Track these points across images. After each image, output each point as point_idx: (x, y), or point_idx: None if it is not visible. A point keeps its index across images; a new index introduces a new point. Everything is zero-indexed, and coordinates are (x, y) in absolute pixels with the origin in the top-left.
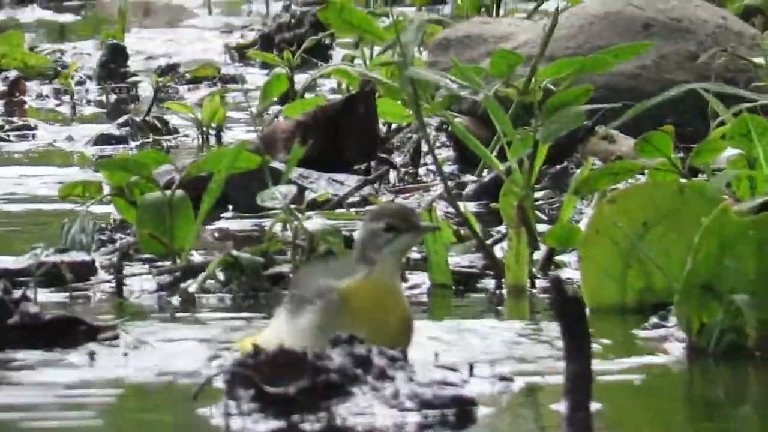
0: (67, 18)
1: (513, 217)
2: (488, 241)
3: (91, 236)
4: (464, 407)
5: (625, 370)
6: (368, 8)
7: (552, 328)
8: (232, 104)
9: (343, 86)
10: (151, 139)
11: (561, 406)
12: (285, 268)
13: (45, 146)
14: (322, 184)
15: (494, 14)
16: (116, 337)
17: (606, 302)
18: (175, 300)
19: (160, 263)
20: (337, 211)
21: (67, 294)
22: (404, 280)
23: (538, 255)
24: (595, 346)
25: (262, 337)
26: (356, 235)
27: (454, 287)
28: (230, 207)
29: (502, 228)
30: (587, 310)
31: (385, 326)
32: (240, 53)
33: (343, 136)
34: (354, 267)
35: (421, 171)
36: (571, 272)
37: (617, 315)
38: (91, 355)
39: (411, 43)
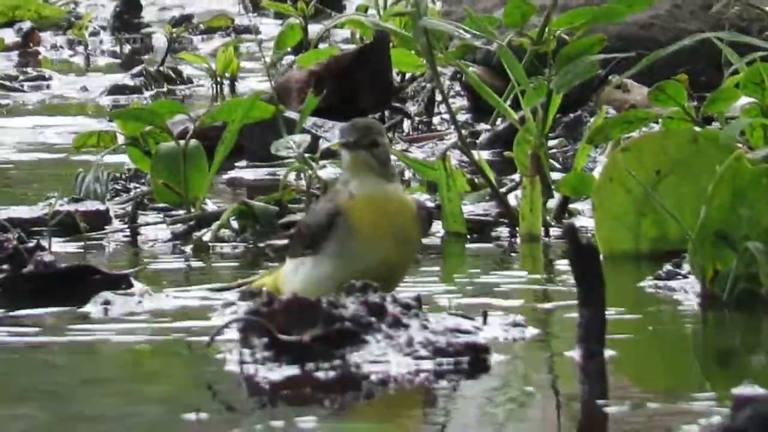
0: None
1: (527, 166)
2: (502, 190)
3: (106, 186)
4: (478, 354)
5: (639, 318)
6: None
7: (565, 276)
8: (245, 54)
9: (357, 36)
10: (165, 89)
11: (575, 354)
12: (299, 217)
13: (59, 97)
14: (335, 134)
15: None
16: (131, 286)
17: (620, 250)
18: (189, 249)
19: (174, 212)
20: None
21: (82, 243)
22: None
23: (552, 203)
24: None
25: (276, 276)
26: None
27: (468, 236)
28: (244, 156)
29: (516, 176)
30: (601, 258)
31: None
32: (254, 3)
33: (357, 86)
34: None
35: (435, 120)
36: (585, 220)
37: (631, 263)
38: (105, 303)
39: None
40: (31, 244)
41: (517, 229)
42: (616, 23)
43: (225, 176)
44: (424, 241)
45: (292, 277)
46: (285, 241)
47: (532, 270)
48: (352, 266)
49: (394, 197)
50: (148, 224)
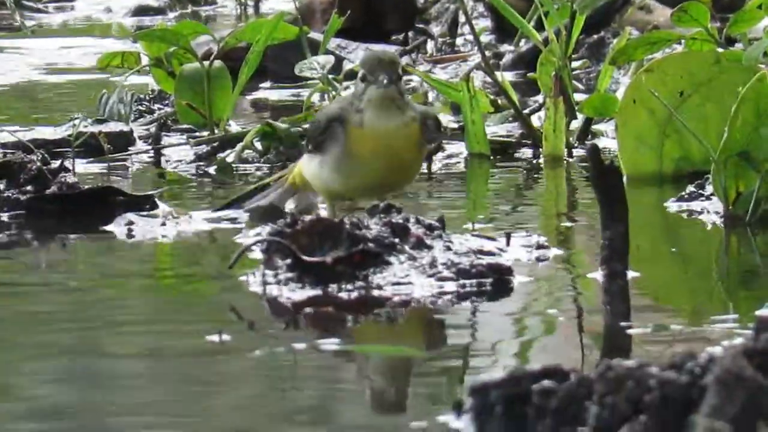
0: None
1: (550, 87)
2: (525, 111)
3: (129, 107)
4: (501, 276)
5: (662, 239)
6: None
7: (589, 197)
8: None
9: None
10: (189, 10)
11: (598, 275)
12: None
13: (83, 18)
14: (359, 55)
15: None
16: (154, 207)
17: (643, 171)
18: (213, 170)
19: (198, 133)
20: None
21: (105, 164)
22: (441, 149)
23: (575, 124)
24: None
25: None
26: None
27: (491, 156)
28: (268, 77)
29: (540, 98)
30: (624, 179)
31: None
32: None
33: (380, 7)
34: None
35: (459, 41)
36: (608, 141)
37: (654, 184)
38: (130, 225)
39: None
40: (54, 165)
41: (541, 150)
42: None
43: (249, 97)
44: (449, 161)
45: (306, 170)
46: None
47: (555, 191)
48: (348, 177)
49: (402, 129)
50: (171, 145)
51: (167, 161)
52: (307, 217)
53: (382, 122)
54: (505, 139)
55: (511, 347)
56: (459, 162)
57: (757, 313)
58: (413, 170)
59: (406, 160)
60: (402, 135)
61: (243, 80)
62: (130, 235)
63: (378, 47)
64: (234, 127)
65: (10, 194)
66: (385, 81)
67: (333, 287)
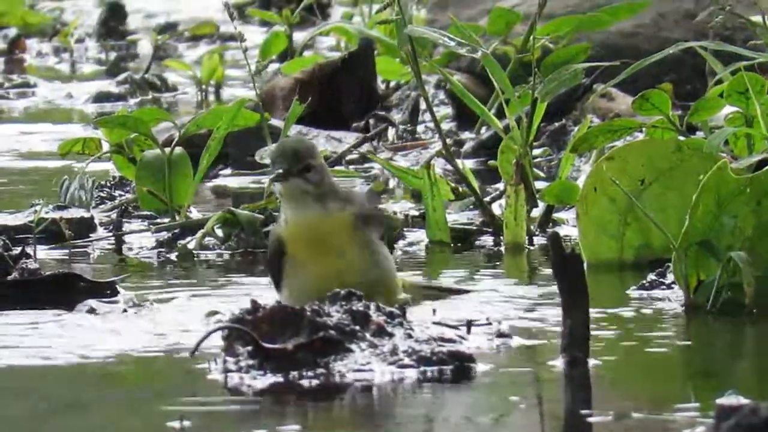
0: None
1: (511, 174)
2: (486, 198)
3: (91, 193)
4: (462, 363)
5: (623, 327)
6: None
7: (549, 285)
8: (230, 62)
9: (342, 44)
10: (150, 97)
11: (558, 362)
12: None
13: (45, 103)
14: (320, 141)
15: None
16: (116, 294)
17: (604, 259)
18: (174, 256)
19: (159, 220)
20: (336, 167)
21: (67, 251)
22: (402, 237)
23: (536, 212)
24: (592, 303)
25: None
26: None
27: (452, 244)
28: (229, 164)
29: (501, 185)
30: (585, 267)
31: (319, 257)
32: (239, 11)
33: (341, 94)
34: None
35: (420, 128)
36: (569, 229)
37: (615, 271)
38: (91, 311)
39: (409, 0)
40: (16, 251)
41: (502, 237)
42: (601, 32)
43: (210, 184)
44: (409, 249)
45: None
46: None
47: (516, 279)
48: (304, 286)
49: (325, 219)
50: (133, 232)
51: (129, 248)
52: (268, 305)
53: (300, 213)
54: (466, 226)
55: None
56: (419, 250)
57: (718, 401)
58: (355, 261)
59: (337, 250)
60: (327, 224)
61: (204, 167)
62: (91, 321)
63: (339, 134)
64: (195, 214)
65: None
66: (282, 170)
67: (294, 374)
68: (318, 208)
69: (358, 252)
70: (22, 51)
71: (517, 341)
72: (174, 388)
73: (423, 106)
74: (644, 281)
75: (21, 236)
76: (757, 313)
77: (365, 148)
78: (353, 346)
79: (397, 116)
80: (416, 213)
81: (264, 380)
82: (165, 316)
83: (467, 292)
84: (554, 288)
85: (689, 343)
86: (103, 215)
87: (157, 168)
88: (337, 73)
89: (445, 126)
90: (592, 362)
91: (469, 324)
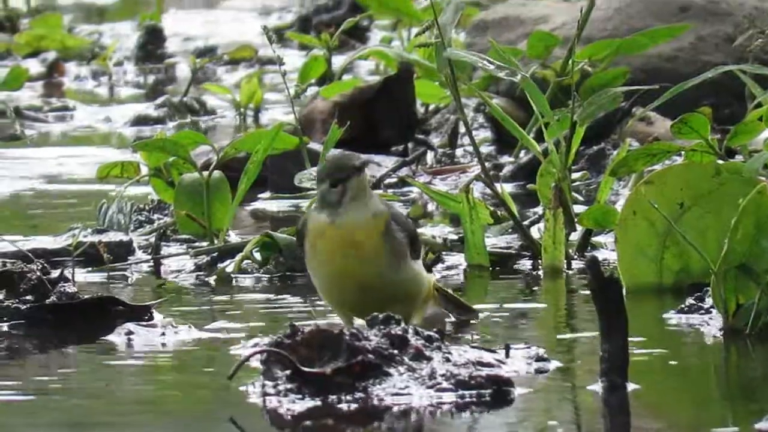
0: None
1: (550, 198)
2: (525, 222)
3: (129, 216)
4: (500, 387)
5: (662, 351)
6: None
7: (588, 309)
8: (269, 86)
9: (381, 67)
10: (188, 120)
11: (597, 387)
12: None
13: (83, 127)
14: None
15: None
16: (153, 317)
17: (642, 283)
18: (213, 280)
19: (197, 243)
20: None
21: (105, 274)
22: (440, 260)
23: (574, 236)
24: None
25: None
26: None
27: (490, 268)
28: (268, 188)
29: (539, 209)
30: (623, 291)
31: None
32: (278, 35)
33: (380, 118)
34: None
35: (459, 152)
36: (607, 253)
37: (654, 295)
38: (129, 335)
39: (448, 24)
40: (54, 275)
41: (540, 261)
42: (640, 55)
43: (248, 207)
44: (448, 272)
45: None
46: None
47: (554, 303)
48: (322, 284)
49: (357, 226)
50: (171, 255)
51: (166, 271)
52: (307, 328)
53: (332, 214)
54: (505, 250)
55: None
56: (458, 273)
57: (757, 426)
58: (377, 264)
59: (365, 252)
60: (362, 228)
61: (242, 190)
62: (129, 345)
63: (378, 157)
64: (233, 238)
65: (10, 304)
66: (326, 184)
67: (332, 398)
68: (353, 212)
69: (379, 258)
70: (61, 75)
71: (555, 365)
72: (212, 411)
73: (462, 129)
74: (683, 305)
75: (59, 260)
76: None
77: (404, 171)
78: (392, 370)
79: (436, 140)
80: (455, 237)
81: (302, 404)
82: (203, 340)
83: (475, 314)
84: (593, 312)
85: (728, 367)
86: (142, 239)
87: (196, 191)
88: (376, 97)
89: (484, 150)
90: (630, 387)
91: (508, 348)
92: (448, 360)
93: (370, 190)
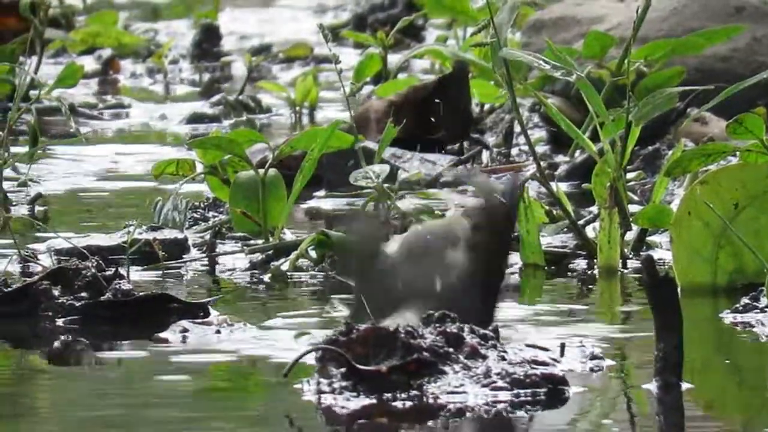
0: None
1: (605, 198)
2: (580, 222)
3: (184, 214)
4: (556, 386)
5: (716, 351)
6: None
7: (643, 308)
8: (324, 84)
9: (436, 66)
10: (244, 118)
11: (652, 386)
12: None
13: (138, 125)
14: (414, 164)
15: None
16: (208, 315)
17: (697, 283)
18: (267, 278)
19: (252, 241)
20: (430, 190)
21: (160, 272)
22: None
23: (630, 235)
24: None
25: None
26: None
27: (545, 267)
28: (323, 186)
29: (594, 208)
30: (678, 290)
31: None
32: (333, 33)
33: (435, 117)
34: None
35: (514, 151)
36: (662, 253)
37: (708, 295)
38: (183, 332)
39: (504, 23)
40: (109, 272)
41: (595, 261)
42: (695, 56)
43: (304, 206)
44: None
45: None
46: None
47: (609, 302)
48: None
49: None
50: (226, 253)
51: (221, 269)
52: (362, 326)
53: None
54: (560, 249)
55: None
56: (513, 272)
57: None
58: None
59: None
60: None
61: (298, 188)
62: (184, 342)
63: (433, 156)
64: (289, 236)
65: (65, 300)
66: None
67: (387, 396)
68: None
69: None
70: (116, 72)
71: (609, 364)
72: (267, 409)
73: (517, 129)
74: (737, 305)
75: (114, 257)
76: None
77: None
78: (447, 368)
79: (491, 139)
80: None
81: (357, 402)
82: (257, 338)
83: None
84: (648, 311)
85: None
86: (197, 236)
87: (251, 189)
88: (431, 96)
89: (540, 149)
90: (685, 386)
91: (563, 346)
92: (503, 359)
93: None
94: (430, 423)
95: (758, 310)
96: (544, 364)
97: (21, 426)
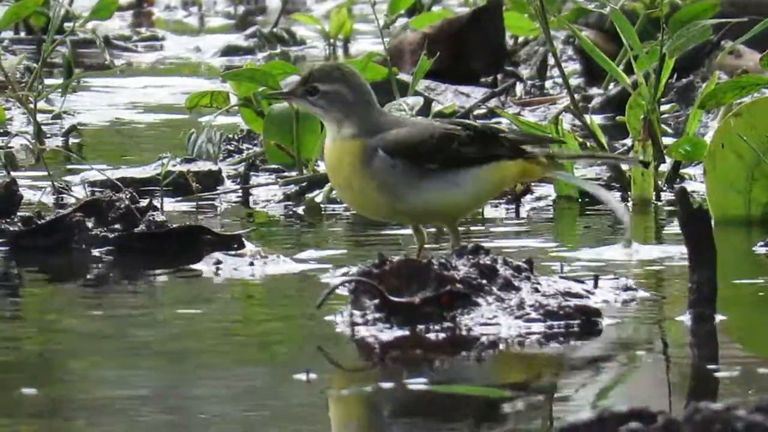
0: None
1: (639, 130)
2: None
3: (218, 146)
4: (589, 318)
5: (749, 283)
6: None
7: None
8: (359, 16)
9: None
10: (278, 51)
11: (685, 317)
12: None
13: (173, 57)
14: (448, 96)
15: None
16: (242, 247)
17: (731, 215)
18: (301, 210)
19: (286, 173)
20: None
21: (194, 203)
22: (530, 191)
23: (663, 168)
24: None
25: None
26: None
27: (579, 199)
28: None
29: (628, 141)
30: (712, 223)
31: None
32: None
33: (469, 49)
34: None
35: (548, 84)
36: (696, 185)
37: (742, 227)
38: (217, 264)
39: None
40: (143, 204)
41: (629, 193)
42: None
43: None
44: (537, 204)
45: None
46: None
47: (643, 234)
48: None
49: (332, 147)
50: (260, 185)
51: (255, 201)
52: (395, 258)
53: (327, 139)
54: (594, 181)
55: (599, 389)
56: (547, 204)
57: None
58: (364, 195)
59: (346, 180)
60: (334, 152)
61: None
62: (217, 273)
63: (466, 89)
64: (322, 168)
65: (99, 232)
66: (287, 90)
67: (420, 328)
68: (332, 134)
69: (368, 185)
70: (151, 5)
71: (643, 296)
72: (300, 340)
73: (551, 61)
74: None
75: (148, 189)
76: None
77: (493, 103)
78: (480, 300)
79: (525, 71)
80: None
81: (390, 333)
82: (291, 270)
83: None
84: (681, 243)
85: None
86: (231, 168)
87: (285, 122)
88: (465, 29)
89: (573, 82)
90: (718, 318)
91: (596, 278)
92: (536, 290)
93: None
94: (462, 354)
95: None
96: (577, 296)
97: (54, 357)
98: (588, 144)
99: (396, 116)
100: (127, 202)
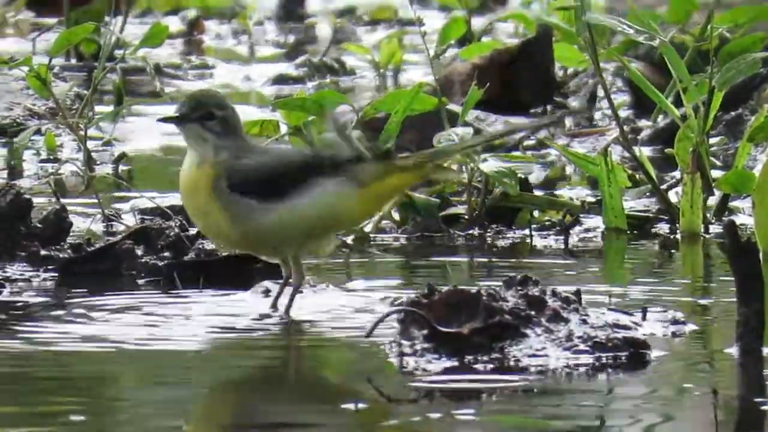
0: None
1: (688, 163)
2: (663, 186)
3: None
4: (637, 350)
5: None
6: None
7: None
8: (409, 46)
9: (520, 30)
10: (328, 80)
11: (733, 351)
12: (460, 210)
13: (223, 85)
14: (497, 127)
15: None
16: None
17: None
18: (351, 240)
19: None
20: (513, 153)
21: None
22: (578, 222)
23: (712, 200)
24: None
25: None
26: None
27: (628, 231)
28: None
29: (677, 173)
30: (761, 256)
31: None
32: None
33: (519, 80)
34: None
35: (597, 115)
36: (745, 218)
37: None
38: (266, 292)
39: None
40: (192, 232)
41: (678, 225)
42: None
43: None
44: (586, 235)
45: None
46: None
47: (691, 267)
48: None
49: (188, 173)
50: None
51: None
52: (444, 288)
53: (185, 164)
54: (643, 214)
55: (647, 421)
56: (596, 236)
57: None
58: (213, 219)
59: (196, 204)
60: (188, 179)
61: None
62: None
63: (516, 119)
64: None
65: (148, 260)
66: (179, 114)
67: (469, 359)
68: (197, 160)
69: (213, 214)
70: (201, 32)
71: (691, 328)
72: (349, 370)
73: (600, 93)
74: None
75: None
76: None
77: (542, 134)
78: (528, 331)
79: (574, 103)
80: (593, 199)
81: (439, 364)
82: (340, 299)
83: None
84: (730, 276)
85: None
86: None
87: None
88: (515, 59)
89: (622, 113)
90: (766, 351)
91: (645, 310)
92: (585, 322)
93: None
94: (511, 386)
95: None
96: (625, 327)
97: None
98: (637, 176)
99: (256, 144)
100: (176, 230)
